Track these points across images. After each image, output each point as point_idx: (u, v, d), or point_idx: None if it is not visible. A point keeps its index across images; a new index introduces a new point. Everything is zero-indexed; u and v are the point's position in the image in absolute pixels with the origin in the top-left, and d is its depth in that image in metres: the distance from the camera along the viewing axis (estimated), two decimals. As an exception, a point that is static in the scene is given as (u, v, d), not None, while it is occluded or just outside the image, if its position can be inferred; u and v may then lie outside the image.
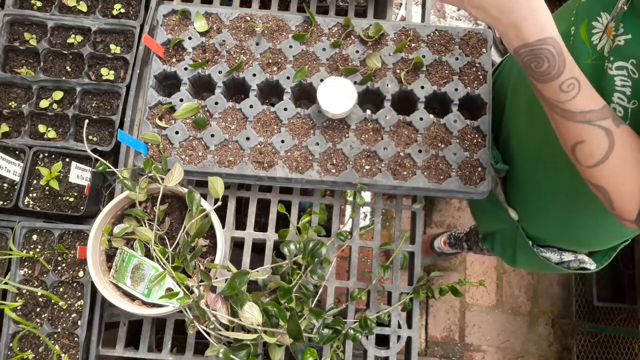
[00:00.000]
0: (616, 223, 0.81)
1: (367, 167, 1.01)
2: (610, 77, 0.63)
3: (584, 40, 0.70)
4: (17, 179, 1.02)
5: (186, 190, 0.91)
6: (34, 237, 1.01)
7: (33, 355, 0.96)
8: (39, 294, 0.98)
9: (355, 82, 1.05)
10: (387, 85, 1.06)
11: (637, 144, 0.62)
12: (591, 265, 1.06)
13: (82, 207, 1.03)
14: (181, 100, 1.05)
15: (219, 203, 0.92)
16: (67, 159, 1.06)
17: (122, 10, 1.15)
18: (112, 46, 1.12)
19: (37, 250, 1.00)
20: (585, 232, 0.97)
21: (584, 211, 0.89)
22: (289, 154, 1.02)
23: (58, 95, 1.09)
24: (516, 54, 0.63)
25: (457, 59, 1.07)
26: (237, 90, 1.12)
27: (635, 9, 0.59)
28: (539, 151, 0.91)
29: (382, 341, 1.03)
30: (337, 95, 0.99)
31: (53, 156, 1.06)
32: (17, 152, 1.06)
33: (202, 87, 1.11)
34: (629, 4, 0.60)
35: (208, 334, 0.86)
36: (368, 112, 1.05)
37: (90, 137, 1.08)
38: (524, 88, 0.92)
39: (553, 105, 0.64)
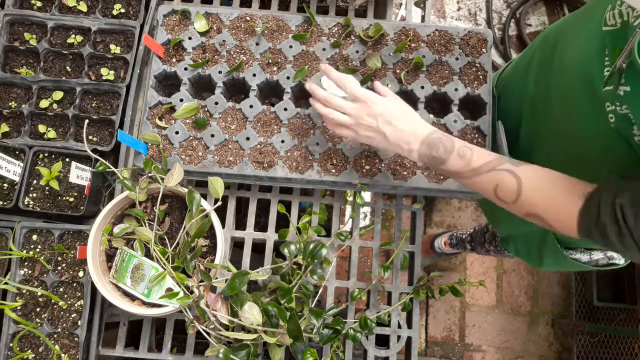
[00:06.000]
0: None
1: (367, 167, 1.01)
2: (625, 115, 0.66)
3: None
4: (17, 179, 1.02)
5: (186, 190, 0.91)
6: (34, 237, 1.01)
7: (33, 355, 0.96)
8: (39, 294, 0.98)
9: (355, 82, 1.05)
10: (387, 85, 1.06)
11: (539, 173, 0.74)
12: (620, 260, 1.06)
13: (82, 207, 1.03)
14: (181, 100, 1.05)
15: (219, 203, 0.92)
16: (67, 159, 1.06)
17: (122, 10, 1.15)
18: (112, 46, 1.12)
19: (37, 250, 1.00)
20: None
21: None
22: (289, 154, 1.02)
23: (58, 95, 1.09)
24: (418, 153, 0.84)
25: (457, 59, 1.07)
26: (237, 90, 1.12)
27: (634, 66, 0.62)
28: (569, 163, 0.91)
29: (382, 341, 1.03)
30: (337, 95, 0.99)
31: (53, 156, 1.06)
32: (17, 152, 1.06)
33: (202, 87, 1.11)
34: (629, 63, 0.63)
35: (208, 334, 0.86)
36: (368, 112, 1.05)
37: (90, 137, 1.08)
38: (549, 108, 0.91)
39: (462, 173, 0.81)
